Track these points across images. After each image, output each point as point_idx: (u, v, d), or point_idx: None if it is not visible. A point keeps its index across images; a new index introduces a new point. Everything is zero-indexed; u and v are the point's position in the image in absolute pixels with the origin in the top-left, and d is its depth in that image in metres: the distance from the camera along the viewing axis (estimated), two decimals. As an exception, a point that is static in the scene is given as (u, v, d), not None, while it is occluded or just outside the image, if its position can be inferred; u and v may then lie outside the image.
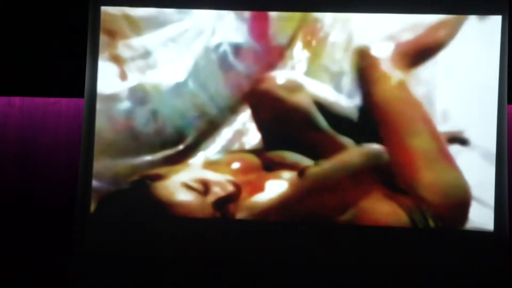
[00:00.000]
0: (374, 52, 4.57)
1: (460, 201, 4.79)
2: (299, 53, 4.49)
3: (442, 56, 4.82)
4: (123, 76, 4.46)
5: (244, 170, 4.55)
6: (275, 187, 4.52)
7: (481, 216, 4.86)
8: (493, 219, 5.01)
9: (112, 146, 4.47)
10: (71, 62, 5.25)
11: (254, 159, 4.57)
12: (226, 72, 4.45)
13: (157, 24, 4.45)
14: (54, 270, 5.46)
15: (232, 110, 4.45)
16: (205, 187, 4.57)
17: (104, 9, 4.75)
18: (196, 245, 4.86)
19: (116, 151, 4.45)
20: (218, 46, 4.49)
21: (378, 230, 4.93)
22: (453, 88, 4.82)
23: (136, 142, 4.42)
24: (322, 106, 4.55)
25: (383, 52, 4.60)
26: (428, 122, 4.78)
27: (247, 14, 4.52)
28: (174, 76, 4.44)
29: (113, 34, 4.50)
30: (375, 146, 4.74)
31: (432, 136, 4.82)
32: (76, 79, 5.12)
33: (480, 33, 5.04)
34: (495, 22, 5.24)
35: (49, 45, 5.33)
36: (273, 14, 4.53)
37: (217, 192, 4.54)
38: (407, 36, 4.78)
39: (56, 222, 5.45)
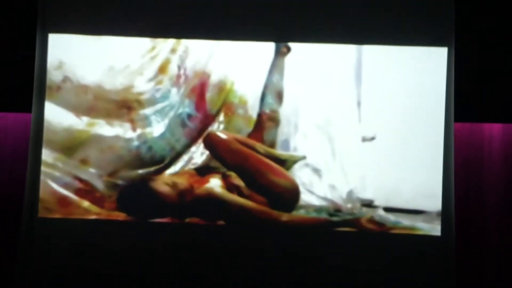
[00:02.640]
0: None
1: (291, 192, 5.98)
2: (221, 119, 6.18)
3: (390, 86, 5.89)
4: (134, 129, 6.16)
5: (191, 175, 6.14)
6: (215, 181, 6.08)
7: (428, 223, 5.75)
8: (440, 225, 5.67)
9: (130, 162, 6.14)
10: (18, 77, 6.10)
11: (193, 172, 6.12)
12: (184, 128, 6.19)
13: (152, 102, 6.17)
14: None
15: (187, 147, 6.18)
16: (174, 185, 6.07)
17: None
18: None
19: (130, 166, 6.15)
20: (180, 114, 6.18)
21: (317, 231, 5.89)
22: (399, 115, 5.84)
23: (141, 162, 6.17)
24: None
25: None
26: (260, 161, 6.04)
27: (193, 96, 6.10)
28: (160, 129, 6.18)
29: (129, 108, 6.14)
30: None
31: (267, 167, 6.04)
32: (24, 94, 6.03)
33: (426, 63, 5.74)
34: (441, 53, 5.66)
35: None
36: (208, 96, 6.10)
37: (181, 187, 6.04)
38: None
39: None
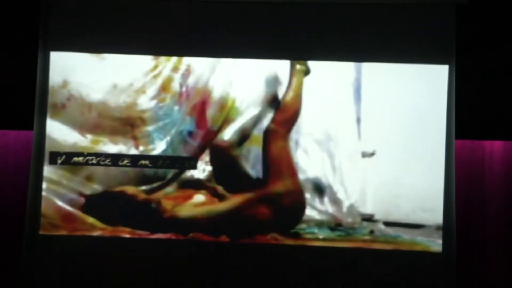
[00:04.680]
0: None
1: (298, 193, 6.00)
2: (225, 135, 6.25)
3: (390, 103, 5.97)
4: (137, 146, 6.25)
5: (187, 191, 6.18)
6: (198, 197, 6.18)
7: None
8: (439, 239, 5.71)
9: (134, 178, 6.21)
10: (19, 94, 6.10)
11: (192, 189, 6.18)
12: (184, 144, 6.30)
13: (155, 119, 6.25)
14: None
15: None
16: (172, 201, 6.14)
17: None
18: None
19: (134, 182, 6.22)
20: (181, 131, 6.28)
21: (320, 249, 5.91)
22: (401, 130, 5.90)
23: (145, 178, 6.27)
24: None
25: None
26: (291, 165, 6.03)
27: (194, 114, 6.17)
28: (162, 146, 6.27)
29: (133, 125, 6.22)
30: None
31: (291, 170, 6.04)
32: (25, 111, 6.06)
33: (427, 81, 5.79)
34: (442, 71, 5.69)
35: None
36: (209, 113, 6.17)
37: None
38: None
39: (1, 252, 6.06)
